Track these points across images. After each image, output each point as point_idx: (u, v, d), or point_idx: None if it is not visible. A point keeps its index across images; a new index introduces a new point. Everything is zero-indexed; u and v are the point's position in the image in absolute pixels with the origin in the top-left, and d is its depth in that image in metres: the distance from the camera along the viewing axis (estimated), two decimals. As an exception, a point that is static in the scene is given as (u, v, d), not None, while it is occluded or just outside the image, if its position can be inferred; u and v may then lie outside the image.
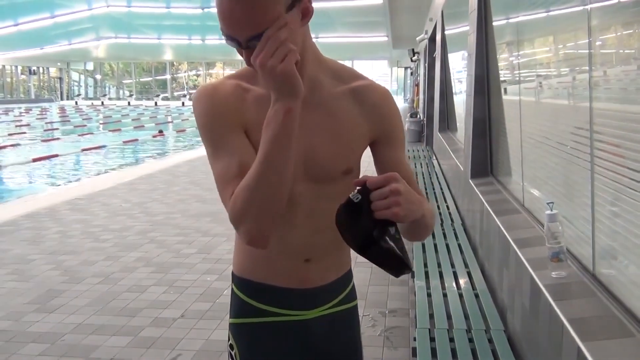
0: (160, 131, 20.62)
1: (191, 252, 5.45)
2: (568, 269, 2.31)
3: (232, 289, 1.48)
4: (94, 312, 4.01)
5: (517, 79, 3.91)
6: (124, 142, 17.67)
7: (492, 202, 3.77)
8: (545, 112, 3.34)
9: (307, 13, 1.16)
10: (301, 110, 1.18)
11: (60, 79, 49.31)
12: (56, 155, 14.09)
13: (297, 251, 1.39)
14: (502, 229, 3.12)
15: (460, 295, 3.42)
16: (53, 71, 48.97)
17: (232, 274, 1.49)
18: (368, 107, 1.34)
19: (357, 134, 1.33)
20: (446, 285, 3.63)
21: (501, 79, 4.54)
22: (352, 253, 1.30)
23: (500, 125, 4.49)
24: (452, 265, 4.01)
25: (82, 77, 52.51)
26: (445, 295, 3.44)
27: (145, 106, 38.99)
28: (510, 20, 4.16)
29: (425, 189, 7.24)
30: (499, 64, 4.59)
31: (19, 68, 44.92)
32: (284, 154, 1.14)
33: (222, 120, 1.25)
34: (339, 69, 1.36)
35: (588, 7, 2.34)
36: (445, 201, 6.32)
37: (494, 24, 4.61)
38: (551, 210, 2.28)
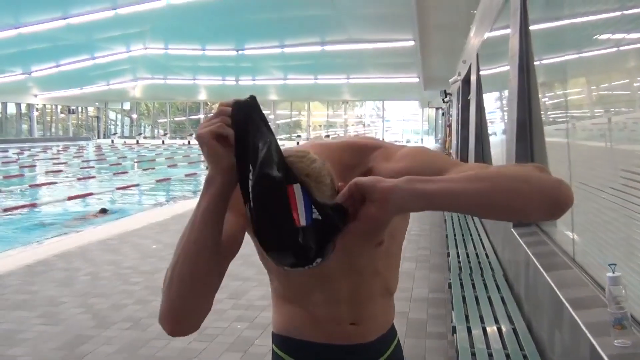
0: None
1: (221, 297, 5.32)
2: (633, 337, 2.11)
3: (273, 350, 1.43)
4: (122, 360, 3.90)
5: (565, 120, 3.74)
6: (156, 180, 17.86)
7: (539, 255, 3.56)
8: (600, 156, 3.15)
9: None
10: None
11: (98, 117, 50.74)
12: (91, 194, 14.29)
13: (343, 317, 1.37)
14: (553, 285, 2.92)
15: (507, 356, 3.19)
16: (91, 110, 50.45)
17: (272, 334, 1.44)
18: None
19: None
20: (491, 344, 3.41)
21: (545, 121, 4.39)
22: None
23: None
24: (496, 321, 3.79)
25: (119, 116, 53.95)
26: (490, 354, 3.23)
27: (179, 145, 39.72)
28: (555, 60, 4.04)
29: (462, 235, 7.02)
30: (544, 106, 4.45)
31: (59, 107, 46.41)
32: (201, 224, 1.08)
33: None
34: (358, 146, 1.33)
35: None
36: (484, 249, 6.09)
37: (536, 64, 4.49)
38: (613, 273, 2.10)
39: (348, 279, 1.33)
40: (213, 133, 1.03)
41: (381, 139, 1.37)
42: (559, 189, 0.99)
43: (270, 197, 0.98)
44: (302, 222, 0.97)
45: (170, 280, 1.08)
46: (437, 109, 37.36)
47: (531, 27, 4.58)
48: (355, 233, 1.01)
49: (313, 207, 0.98)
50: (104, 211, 11.83)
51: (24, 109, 43.14)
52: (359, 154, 1.26)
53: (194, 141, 43.36)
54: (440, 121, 37.67)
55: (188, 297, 1.08)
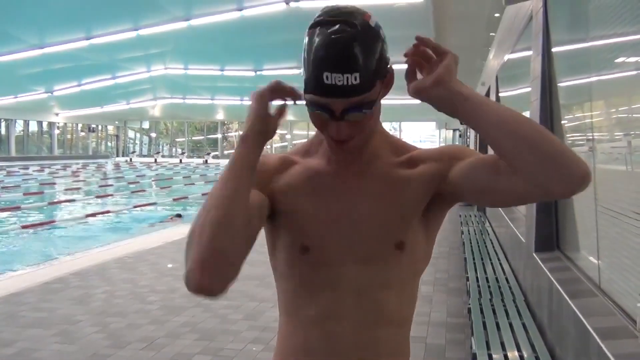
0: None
1: (237, 318, 5.28)
2: (666, 369, 2.03)
3: None
4: (137, 382, 3.86)
5: (589, 143, 3.67)
6: (174, 199, 17.95)
7: (563, 281, 3.48)
8: (628, 180, 3.08)
9: (389, 84, 1.17)
10: (356, 179, 1.20)
11: (117, 136, 51.39)
12: (108, 212, 14.38)
13: (346, 351, 1.20)
14: (578, 313, 2.83)
15: (531, 386, 3.10)
16: (111, 129, 51.14)
17: None
18: (420, 165, 1.24)
19: (412, 201, 1.20)
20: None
21: (568, 144, 4.32)
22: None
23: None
24: (518, 348, 3.69)
25: (138, 135, 54.61)
26: (514, 384, 3.13)
27: (196, 164, 40.02)
28: (580, 82, 3.99)
29: (481, 258, 6.91)
30: (566, 127, 4.39)
31: (80, 126, 47.13)
32: (232, 179, 1.08)
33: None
34: (399, 144, 1.30)
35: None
36: (504, 273, 5.98)
37: (560, 85, 4.44)
38: (645, 302, 2.02)
39: (357, 288, 1.20)
40: (274, 87, 1.15)
41: None
42: (576, 156, 1.01)
43: None
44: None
45: (201, 227, 1.03)
46: (454, 130, 37.29)
47: (553, 49, 4.54)
48: (421, 89, 1.12)
49: None
50: (179, 216, 12.85)
51: (45, 127, 43.87)
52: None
53: (211, 160, 43.78)
54: (457, 143, 37.53)
55: (221, 241, 1.02)
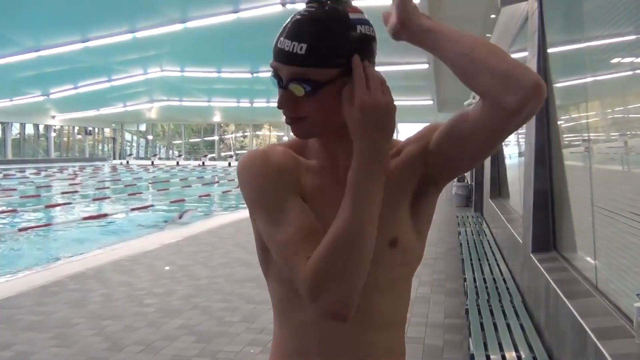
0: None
1: (235, 321, 5.27)
2: (663, 369, 2.03)
3: None
4: (134, 385, 3.84)
5: (586, 143, 3.68)
6: (171, 202, 17.92)
7: (560, 282, 3.48)
8: (624, 180, 3.09)
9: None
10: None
11: (114, 139, 51.33)
12: (105, 215, 14.36)
13: (342, 353, 1.19)
14: (576, 314, 2.84)
15: (529, 386, 3.10)
16: (107, 131, 51.07)
17: None
18: (403, 151, 1.23)
19: (401, 187, 1.20)
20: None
21: (564, 144, 4.33)
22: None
23: (563, 195, 4.24)
24: (516, 349, 3.69)
25: (135, 137, 54.54)
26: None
27: (193, 166, 39.99)
28: (576, 82, 4.00)
29: (479, 259, 6.91)
30: (563, 128, 4.40)
31: (76, 128, 47.06)
32: (376, 199, 1.07)
33: (278, 183, 1.15)
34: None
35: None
36: (502, 274, 5.98)
37: (556, 86, 4.46)
38: (642, 302, 2.03)
39: None
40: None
41: None
42: (529, 69, 1.03)
43: None
44: None
45: (354, 264, 1.05)
46: (451, 131, 37.31)
47: (549, 50, 4.55)
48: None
49: None
50: (181, 217, 13.80)
51: (41, 130, 43.78)
52: None
53: (208, 162, 43.76)
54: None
55: (363, 279, 1.07)
